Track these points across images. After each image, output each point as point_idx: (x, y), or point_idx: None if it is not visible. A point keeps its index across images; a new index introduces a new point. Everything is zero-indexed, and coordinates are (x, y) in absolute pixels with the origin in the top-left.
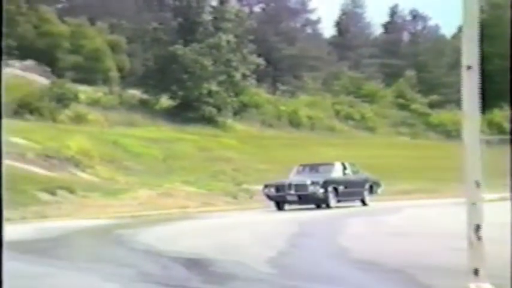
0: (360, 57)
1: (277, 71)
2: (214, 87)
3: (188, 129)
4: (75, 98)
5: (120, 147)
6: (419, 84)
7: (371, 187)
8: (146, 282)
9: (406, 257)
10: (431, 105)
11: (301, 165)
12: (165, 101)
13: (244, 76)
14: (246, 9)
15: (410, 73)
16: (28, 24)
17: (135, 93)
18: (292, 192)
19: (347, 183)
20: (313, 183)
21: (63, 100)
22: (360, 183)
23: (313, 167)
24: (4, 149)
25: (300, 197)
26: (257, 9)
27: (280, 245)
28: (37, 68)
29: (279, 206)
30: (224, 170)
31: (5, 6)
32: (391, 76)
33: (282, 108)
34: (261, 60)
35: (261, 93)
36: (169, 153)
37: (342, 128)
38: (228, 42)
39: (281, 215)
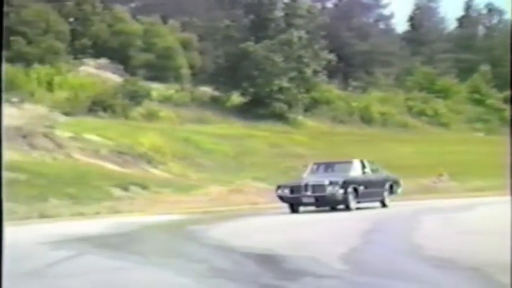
0: (434, 52)
1: (348, 66)
2: (285, 83)
3: (259, 126)
4: (148, 96)
5: (191, 144)
6: (494, 79)
7: (391, 187)
8: (218, 278)
9: (482, 255)
10: (507, 100)
11: (315, 163)
12: (236, 98)
13: (315, 72)
14: (318, 5)
15: (485, 68)
16: (102, 23)
17: (206, 90)
18: (309, 193)
19: (367, 183)
20: (331, 183)
21: (135, 97)
22: (380, 183)
23: (330, 165)
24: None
25: (317, 198)
26: (329, 4)
27: (352, 242)
28: (110, 66)
29: (293, 208)
30: (295, 166)
31: (4, 6)
32: (465, 71)
33: (354, 104)
34: (332, 56)
35: (332, 89)
36: (240, 149)
37: (414, 124)
38: (300, 38)
39: (351, 213)
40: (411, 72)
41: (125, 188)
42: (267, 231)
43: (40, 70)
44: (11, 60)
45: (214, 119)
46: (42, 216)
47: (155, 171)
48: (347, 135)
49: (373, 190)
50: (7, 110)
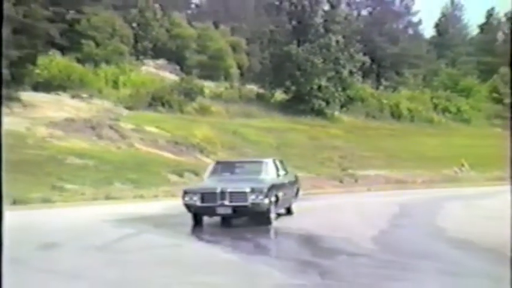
0: (457, 55)
1: (380, 68)
2: (323, 82)
3: (299, 121)
4: (201, 92)
5: (239, 135)
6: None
7: (297, 190)
8: (262, 255)
9: (500, 238)
10: None
11: (218, 162)
12: (279, 95)
13: (351, 73)
14: (355, 13)
15: (504, 70)
16: (161, 28)
17: (253, 88)
18: (226, 202)
19: (284, 189)
20: (253, 190)
21: (190, 94)
22: (291, 187)
23: (237, 166)
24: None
25: (235, 209)
26: (364, 12)
27: (382, 225)
28: (168, 66)
29: (197, 219)
30: (331, 157)
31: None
32: (486, 73)
33: (385, 101)
34: (366, 58)
35: (365, 88)
36: (282, 141)
37: (439, 120)
38: (337, 42)
39: (384, 198)
40: (437, 73)
41: (180, 174)
42: (306, 215)
43: (107, 70)
44: (81, 61)
45: (260, 114)
46: (108, 198)
47: (206, 160)
48: (378, 130)
49: (288, 196)
50: (78, 104)
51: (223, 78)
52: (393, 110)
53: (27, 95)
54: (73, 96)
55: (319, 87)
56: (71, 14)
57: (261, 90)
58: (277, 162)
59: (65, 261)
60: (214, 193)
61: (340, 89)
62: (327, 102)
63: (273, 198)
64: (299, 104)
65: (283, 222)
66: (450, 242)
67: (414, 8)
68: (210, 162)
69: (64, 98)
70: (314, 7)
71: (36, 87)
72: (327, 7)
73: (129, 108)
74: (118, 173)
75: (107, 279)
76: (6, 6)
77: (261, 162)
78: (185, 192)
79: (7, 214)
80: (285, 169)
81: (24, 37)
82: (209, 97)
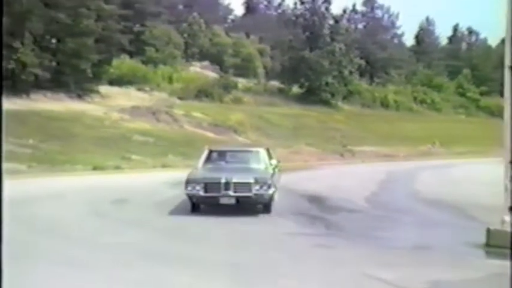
0: (431, 60)
1: (373, 69)
2: (329, 80)
3: (310, 109)
4: (235, 87)
5: (264, 120)
6: (472, 79)
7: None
8: (276, 209)
9: (461, 197)
10: (481, 94)
11: (211, 149)
12: (295, 89)
13: (350, 72)
14: (353, 26)
15: (466, 71)
16: (205, 37)
17: (275, 84)
18: (231, 193)
19: (277, 177)
20: (257, 181)
21: (227, 88)
22: (279, 174)
23: (229, 154)
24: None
25: (238, 199)
26: (360, 26)
27: (373, 187)
28: (210, 66)
29: (194, 207)
30: (334, 136)
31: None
32: (453, 73)
33: (376, 94)
34: (362, 62)
35: (361, 84)
36: (297, 124)
37: (417, 109)
38: (340, 49)
39: (374, 167)
40: (415, 73)
41: None
42: (315, 180)
43: (164, 69)
44: (144, 63)
45: (280, 103)
46: (164, 166)
47: (239, 138)
48: (371, 116)
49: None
50: (141, 95)
51: (252, 76)
52: (382, 101)
53: (104, 89)
54: (138, 89)
55: (327, 83)
56: (137, 27)
57: (282, 86)
58: (269, 151)
59: (132, 212)
60: (219, 183)
61: (342, 84)
62: (332, 95)
63: (274, 188)
64: (310, 96)
65: (295, 185)
66: (424, 201)
67: (398, 23)
68: (241, 140)
69: (131, 90)
70: (322, 22)
71: (111, 82)
72: (332, 21)
73: (180, 98)
74: (171, 147)
75: (165, 225)
76: (89, 21)
77: (254, 151)
78: (187, 182)
79: (91, 178)
80: (271, 157)
81: (103, 45)
82: (241, 90)
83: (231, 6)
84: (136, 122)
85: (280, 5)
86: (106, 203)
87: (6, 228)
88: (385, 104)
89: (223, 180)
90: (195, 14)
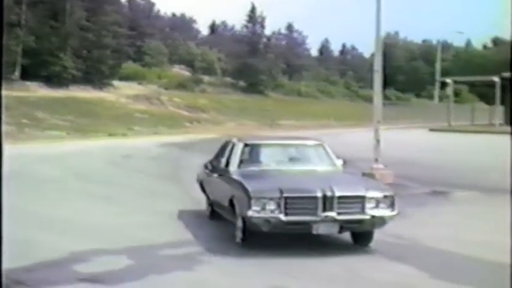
0: (329, 65)
1: (292, 70)
2: (263, 77)
3: (251, 96)
4: (202, 82)
5: (220, 103)
6: (354, 78)
7: None
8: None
9: (347, 153)
10: (360, 87)
11: (246, 144)
12: (241, 84)
13: (277, 73)
14: (283, 43)
15: (350, 73)
16: (183, 49)
17: (228, 79)
18: (334, 215)
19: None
20: (372, 195)
21: (197, 82)
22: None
23: (282, 151)
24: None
25: (342, 226)
26: (283, 43)
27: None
28: (186, 68)
29: (245, 236)
30: (266, 114)
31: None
32: (342, 74)
33: (294, 87)
34: (284, 66)
35: (284, 81)
36: (242, 107)
37: (320, 97)
38: (270, 57)
39: (292, 133)
40: (320, 74)
41: (191, 122)
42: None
43: (155, 70)
44: (143, 66)
45: (231, 93)
46: (155, 134)
47: (204, 115)
48: (291, 101)
49: None
50: (140, 87)
51: (213, 74)
52: (298, 92)
53: (116, 83)
54: (138, 84)
55: (262, 80)
56: (139, 43)
57: (232, 81)
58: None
59: (135, 163)
60: (314, 198)
61: (271, 80)
62: (265, 87)
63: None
64: (251, 88)
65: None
66: None
67: (307, 41)
68: (206, 116)
69: (134, 84)
70: (259, 40)
71: (121, 79)
72: (265, 40)
73: (165, 89)
74: (160, 121)
75: (157, 171)
76: (108, 39)
77: (315, 145)
78: (250, 197)
79: (108, 141)
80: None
81: (116, 54)
82: (206, 84)
83: (200, 29)
84: (137, 105)
85: (232, 28)
86: (118, 157)
87: (54, 171)
88: (299, 94)
89: (319, 194)
90: (176, 33)
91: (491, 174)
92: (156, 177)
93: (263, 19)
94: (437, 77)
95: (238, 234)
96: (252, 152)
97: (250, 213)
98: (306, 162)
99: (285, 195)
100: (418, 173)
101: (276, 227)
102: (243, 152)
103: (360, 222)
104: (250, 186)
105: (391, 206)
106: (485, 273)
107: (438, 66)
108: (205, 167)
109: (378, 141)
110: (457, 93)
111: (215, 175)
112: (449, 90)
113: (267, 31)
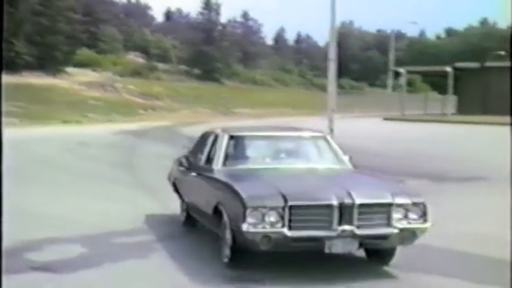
0: (284, 53)
1: (247, 59)
2: (219, 65)
3: (206, 84)
4: (156, 69)
5: (175, 91)
6: (310, 67)
7: None
8: (185, 148)
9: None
10: (314, 76)
11: (232, 136)
12: (196, 71)
13: (232, 62)
14: (239, 31)
15: (306, 61)
16: (137, 36)
17: (183, 67)
18: (353, 229)
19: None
20: (401, 201)
21: (151, 69)
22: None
23: (275, 144)
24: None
25: (363, 241)
26: (239, 31)
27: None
28: (140, 55)
29: (234, 253)
30: (221, 102)
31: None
32: (298, 63)
33: (249, 75)
34: (240, 54)
35: (239, 69)
36: (197, 94)
37: (275, 85)
38: (226, 45)
39: (248, 122)
40: (274, 62)
41: (145, 110)
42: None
43: (110, 57)
44: (98, 52)
45: (186, 80)
46: (109, 121)
47: (159, 103)
48: (246, 89)
49: None
50: (94, 74)
51: (168, 62)
52: (253, 80)
53: (70, 70)
54: (93, 70)
55: (218, 68)
56: (93, 29)
57: (187, 68)
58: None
59: (91, 150)
60: (329, 207)
61: (228, 69)
62: (220, 75)
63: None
64: (206, 76)
65: (196, 132)
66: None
67: (263, 30)
68: (160, 104)
69: (88, 71)
70: (214, 27)
71: (75, 65)
72: (220, 27)
73: (120, 76)
74: (114, 108)
75: (113, 158)
76: (62, 25)
77: (314, 137)
78: (246, 207)
79: (62, 128)
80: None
81: (70, 41)
82: (161, 71)
83: (155, 16)
84: (91, 92)
85: (188, 15)
86: (72, 144)
87: (6, 159)
88: (254, 82)
89: (334, 201)
90: (131, 20)
91: (442, 163)
92: (112, 165)
93: (218, 6)
94: (391, 66)
95: (226, 252)
96: (239, 145)
97: (244, 226)
98: (308, 159)
99: (291, 203)
100: (370, 161)
101: (278, 245)
102: (228, 146)
103: (384, 237)
104: (243, 190)
105: (423, 215)
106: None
107: (392, 56)
108: (180, 163)
109: (331, 130)
110: (410, 83)
111: (193, 174)
112: (402, 80)
113: (223, 19)
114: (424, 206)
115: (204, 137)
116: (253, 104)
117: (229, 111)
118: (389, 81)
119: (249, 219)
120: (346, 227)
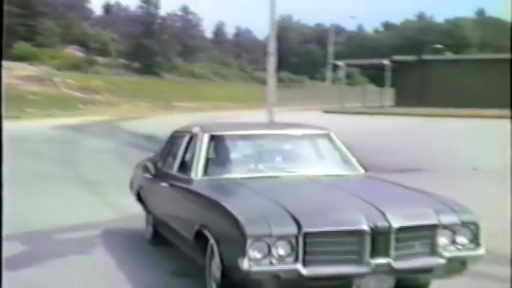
0: (224, 47)
1: (186, 52)
2: (158, 59)
3: (146, 78)
4: (96, 63)
5: (115, 85)
6: (249, 61)
7: None
8: (128, 146)
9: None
10: (254, 69)
11: (213, 136)
12: (136, 65)
13: (173, 56)
14: (178, 24)
15: (245, 55)
16: (76, 29)
17: (123, 61)
18: (391, 262)
19: None
20: (437, 214)
21: (90, 63)
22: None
23: (265, 146)
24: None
25: (400, 278)
26: (179, 24)
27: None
28: (79, 49)
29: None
30: (161, 96)
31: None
32: (238, 56)
33: (188, 69)
34: (179, 47)
35: (178, 63)
36: (137, 88)
37: (215, 79)
38: (165, 39)
39: (188, 117)
40: (214, 56)
41: (85, 104)
42: (147, 126)
43: (48, 50)
44: (35, 46)
45: (126, 74)
46: (48, 116)
47: (98, 97)
48: (185, 83)
49: None
50: (32, 68)
51: (107, 55)
52: (192, 73)
53: (6, 63)
54: (30, 64)
55: (159, 62)
56: (31, 22)
57: (127, 62)
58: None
59: (30, 146)
60: (358, 234)
61: (167, 63)
62: (160, 69)
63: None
64: (146, 70)
65: (139, 129)
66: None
67: (202, 24)
68: (100, 98)
69: (25, 65)
70: (153, 21)
71: (12, 59)
72: (160, 21)
73: (58, 70)
74: (52, 103)
75: (53, 154)
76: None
77: (315, 135)
78: (246, 237)
79: None
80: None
81: (7, 34)
82: (100, 65)
83: (93, 9)
84: (29, 86)
85: (126, 8)
86: (11, 140)
87: None
88: (193, 76)
89: (364, 226)
90: (70, 13)
91: (380, 155)
92: (53, 161)
93: (157, 0)
94: (330, 59)
95: None
96: (223, 148)
97: (245, 264)
98: (311, 164)
99: (306, 229)
100: None
101: (289, 287)
102: (209, 149)
103: (429, 270)
104: (239, 211)
105: (475, 239)
106: None
107: (331, 49)
108: (145, 168)
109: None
110: (349, 76)
111: (163, 184)
112: (341, 73)
113: (162, 12)
114: (477, 226)
115: (175, 137)
116: (193, 98)
117: (169, 105)
118: (329, 74)
119: (251, 254)
120: (381, 260)
